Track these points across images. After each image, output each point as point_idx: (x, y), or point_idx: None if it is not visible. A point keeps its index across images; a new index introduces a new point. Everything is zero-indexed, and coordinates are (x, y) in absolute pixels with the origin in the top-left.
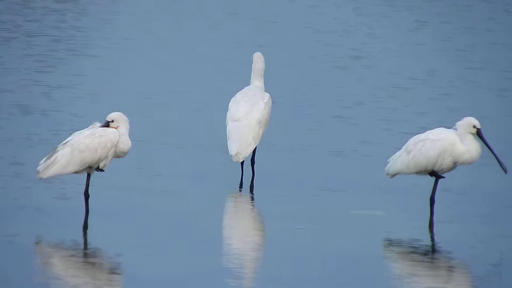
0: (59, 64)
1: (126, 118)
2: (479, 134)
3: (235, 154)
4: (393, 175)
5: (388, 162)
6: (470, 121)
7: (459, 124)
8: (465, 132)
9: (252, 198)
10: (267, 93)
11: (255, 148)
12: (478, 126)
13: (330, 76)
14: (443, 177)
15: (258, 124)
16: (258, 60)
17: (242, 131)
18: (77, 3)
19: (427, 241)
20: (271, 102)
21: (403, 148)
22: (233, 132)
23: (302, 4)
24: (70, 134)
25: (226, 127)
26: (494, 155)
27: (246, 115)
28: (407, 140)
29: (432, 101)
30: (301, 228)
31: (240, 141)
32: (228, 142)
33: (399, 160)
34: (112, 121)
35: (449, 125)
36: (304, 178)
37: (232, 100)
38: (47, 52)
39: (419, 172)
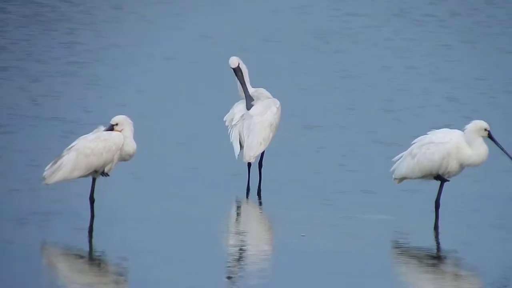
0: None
1: (130, 121)
2: (490, 136)
3: (245, 149)
4: (400, 181)
5: (394, 162)
6: (480, 125)
7: (468, 128)
8: (475, 136)
9: (260, 203)
10: (277, 100)
11: (263, 152)
12: (488, 128)
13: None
14: (448, 181)
15: (270, 126)
16: (243, 64)
17: (254, 127)
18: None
19: (434, 246)
20: (280, 108)
21: (408, 151)
22: (245, 128)
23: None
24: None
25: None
26: (506, 153)
27: (260, 115)
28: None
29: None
30: (303, 235)
31: (252, 136)
32: (234, 141)
33: (405, 164)
34: (116, 124)
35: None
36: (312, 183)
37: (237, 103)
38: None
39: (425, 176)
